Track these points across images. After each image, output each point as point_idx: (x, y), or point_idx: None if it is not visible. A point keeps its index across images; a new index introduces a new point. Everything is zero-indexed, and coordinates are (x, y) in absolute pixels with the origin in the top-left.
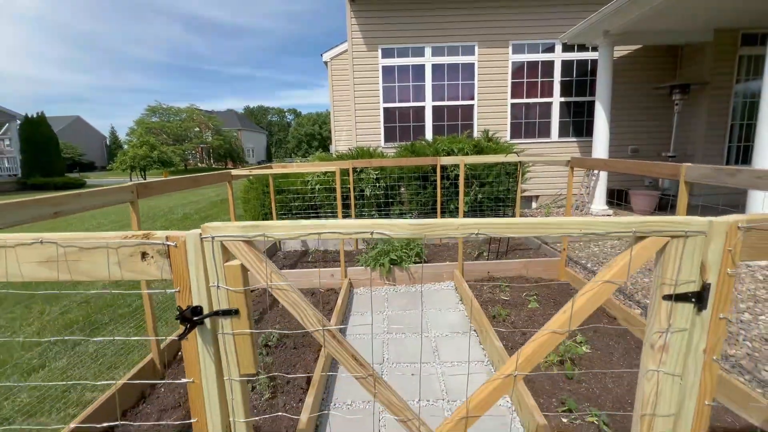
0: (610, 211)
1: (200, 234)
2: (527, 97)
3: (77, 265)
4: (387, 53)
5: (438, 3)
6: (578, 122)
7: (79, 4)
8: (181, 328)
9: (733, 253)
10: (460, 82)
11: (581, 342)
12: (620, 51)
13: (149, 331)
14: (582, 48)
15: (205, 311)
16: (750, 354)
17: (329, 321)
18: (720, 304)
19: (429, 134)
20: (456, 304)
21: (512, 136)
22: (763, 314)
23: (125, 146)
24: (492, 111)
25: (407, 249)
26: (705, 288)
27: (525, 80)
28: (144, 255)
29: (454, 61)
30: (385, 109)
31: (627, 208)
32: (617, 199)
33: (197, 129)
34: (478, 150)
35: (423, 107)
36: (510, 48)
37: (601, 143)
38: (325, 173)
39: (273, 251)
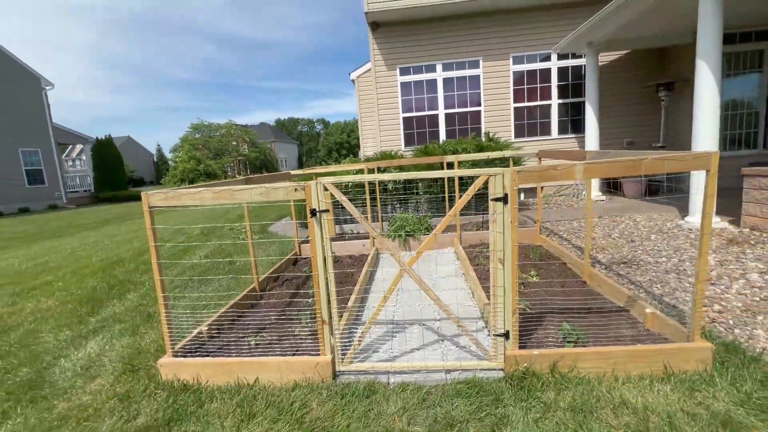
0: (604, 198)
1: (315, 182)
2: (528, 101)
3: (273, 193)
4: (404, 71)
5: (446, 26)
6: (576, 120)
7: (128, 34)
8: (311, 219)
9: (514, 181)
10: (468, 91)
11: (533, 274)
12: (612, 55)
13: (294, 234)
14: (575, 55)
15: (317, 210)
16: (653, 279)
17: (364, 268)
18: (512, 202)
19: (443, 137)
20: (453, 261)
21: (516, 136)
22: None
23: (171, 162)
24: (497, 114)
25: (419, 224)
26: (506, 195)
27: (525, 86)
28: (296, 189)
29: (462, 74)
30: (404, 118)
31: (622, 194)
32: (613, 187)
33: (235, 143)
34: (480, 149)
35: (436, 115)
36: (510, 60)
37: (592, 138)
38: (356, 172)
39: None
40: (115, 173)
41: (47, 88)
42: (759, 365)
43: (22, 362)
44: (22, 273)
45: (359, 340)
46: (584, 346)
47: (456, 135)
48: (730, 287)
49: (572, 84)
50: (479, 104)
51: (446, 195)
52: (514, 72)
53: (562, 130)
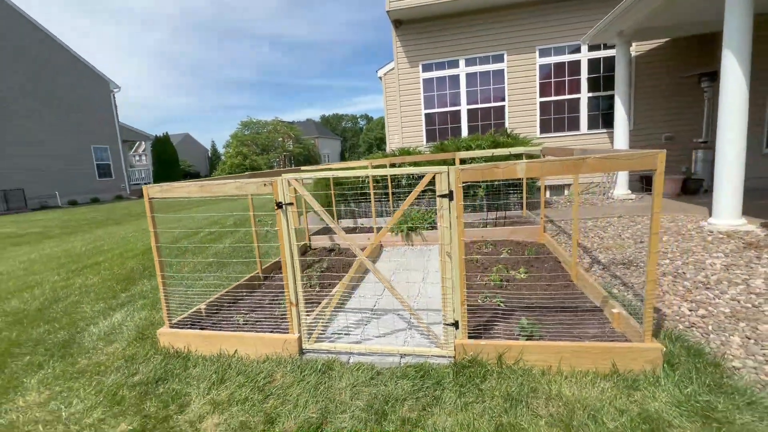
0: (633, 196)
1: (281, 179)
2: (555, 95)
3: (245, 188)
4: (426, 68)
5: (469, 20)
6: (607, 114)
7: (189, 36)
8: (277, 211)
9: (458, 178)
10: (491, 86)
11: (522, 271)
12: (649, 44)
13: (305, 225)
14: (608, 46)
15: (283, 203)
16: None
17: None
18: (457, 199)
19: (465, 133)
20: None
21: (542, 131)
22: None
23: (223, 157)
24: (521, 110)
25: (422, 219)
26: (451, 192)
27: (552, 80)
28: (265, 184)
29: (486, 69)
30: (426, 115)
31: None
32: (646, 184)
33: (281, 139)
34: (495, 145)
35: (459, 111)
36: (537, 52)
37: (620, 133)
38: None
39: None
40: (171, 167)
41: (115, 90)
42: (715, 370)
43: (62, 327)
44: (81, 254)
45: (324, 324)
46: (537, 341)
47: (479, 130)
48: (725, 292)
49: (604, 76)
50: (503, 99)
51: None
52: (540, 65)
53: (592, 125)
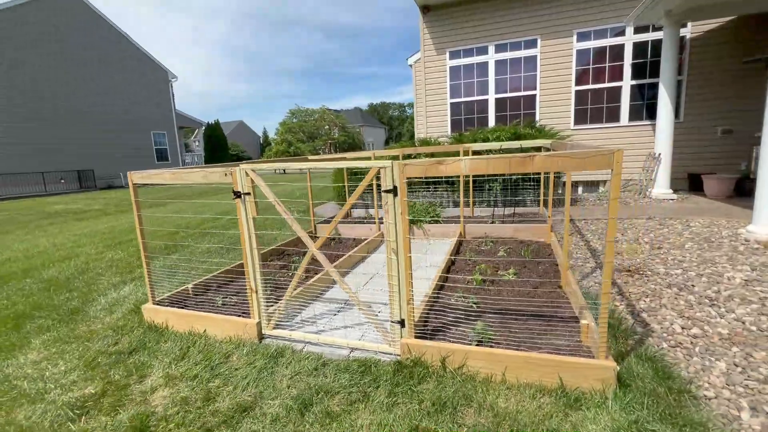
0: (674, 196)
1: (239, 169)
2: (593, 82)
3: (209, 177)
4: (454, 55)
5: (500, 3)
6: (654, 104)
7: (247, 26)
8: (236, 200)
9: (402, 174)
10: (522, 74)
11: (512, 272)
12: (705, 24)
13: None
14: (657, 27)
15: (241, 193)
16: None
17: (350, 252)
18: (401, 194)
19: (492, 124)
20: (447, 251)
21: (576, 123)
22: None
23: (272, 143)
24: (554, 99)
25: (425, 213)
26: (395, 187)
27: (591, 66)
28: (226, 174)
29: (517, 56)
30: (452, 104)
31: (704, 194)
32: (694, 185)
33: (327, 127)
34: (517, 137)
35: (486, 100)
36: (574, 37)
37: (664, 125)
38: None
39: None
40: (221, 152)
41: (172, 80)
42: (679, 397)
43: (79, 296)
44: (122, 231)
45: (295, 312)
46: (485, 347)
47: (507, 121)
48: (731, 311)
49: (651, 62)
50: (534, 88)
51: (470, 183)
52: (578, 50)
53: (634, 116)
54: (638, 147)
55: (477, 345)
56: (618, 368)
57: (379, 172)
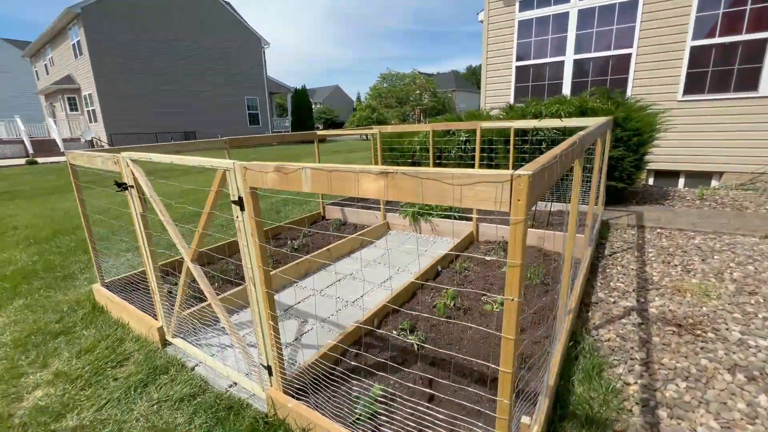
0: None
1: (122, 156)
2: (722, 34)
3: (94, 161)
4: (525, 5)
5: None
6: None
7: None
8: (123, 192)
9: (246, 181)
10: (614, 26)
11: (500, 302)
12: None
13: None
14: None
15: (126, 185)
16: None
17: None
18: (249, 208)
19: (567, 92)
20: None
21: (687, 92)
22: None
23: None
24: (657, 60)
25: (432, 206)
26: (240, 198)
27: (720, 11)
28: (115, 162)
29: (608, 2)
30: (518, 68)
31: None
32: None
33: (418, 92)
34: (582, 111)
35: (562, 62)
36: None
37: None
38: (425, 134)
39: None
40: (306, 117)
41: (265, 46)
42: None
43: (87, 260)
44: (179, 193)
45: (175, 317)
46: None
47: (588, 88)
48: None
49: None
50: (630, 45)
51: (511, 163)
52: None
53: None
54: None
55: (355, 422)
56: None
57: (225, 176)
